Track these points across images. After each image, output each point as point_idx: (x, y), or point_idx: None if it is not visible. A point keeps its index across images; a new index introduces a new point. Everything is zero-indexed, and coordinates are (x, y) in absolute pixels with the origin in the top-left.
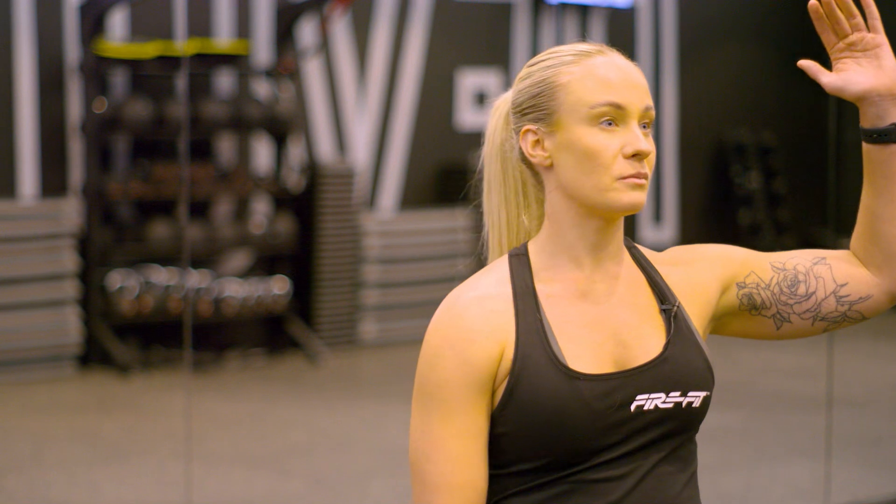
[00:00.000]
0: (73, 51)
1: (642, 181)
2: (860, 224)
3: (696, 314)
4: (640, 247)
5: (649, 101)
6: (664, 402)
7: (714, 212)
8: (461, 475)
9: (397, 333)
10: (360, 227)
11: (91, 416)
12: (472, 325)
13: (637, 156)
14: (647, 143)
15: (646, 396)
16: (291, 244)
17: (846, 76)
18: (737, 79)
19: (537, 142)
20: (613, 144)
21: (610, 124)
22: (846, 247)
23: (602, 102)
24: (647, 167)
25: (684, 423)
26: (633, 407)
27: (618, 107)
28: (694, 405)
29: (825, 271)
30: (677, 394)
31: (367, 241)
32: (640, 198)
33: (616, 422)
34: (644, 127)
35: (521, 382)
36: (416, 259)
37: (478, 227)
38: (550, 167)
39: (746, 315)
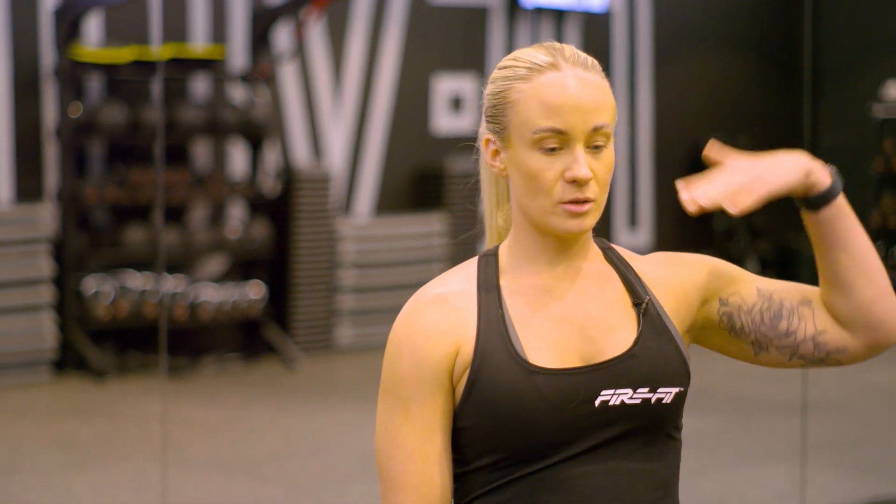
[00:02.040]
0: (48, 55)
1: (582, 208)
2: (820, 287)
3: (675, 315)
4: (617, 247)
5: (599, 121)
6: (631, 398)
7: (689, 216)
8: (419, 473)
9: (373, 338)
10: (336, 232)
11: (67, 422)
12: (430, 322)
13: (577, 181)
14: (585, 170)
15: (611, 392)
16: (267, 249)
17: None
18: (712, 84)
19: (496, 152)
20: (555, 169)
21: (553, 150)
22: None
23: (543, 128)
24: (596, 189)
25: (654, 419)
26: (597, 402)
27: (559, 132)
28: (664, 401)
29: (808, 314)
30: (645, 389)
31: (342, 246)
32: (579, 225)
33: (579, 416)
34: (596, 148)
35: (481, 377)
36: (391, 264)
37: (455, 231)
38: (507, 178)
39: (726, 335)
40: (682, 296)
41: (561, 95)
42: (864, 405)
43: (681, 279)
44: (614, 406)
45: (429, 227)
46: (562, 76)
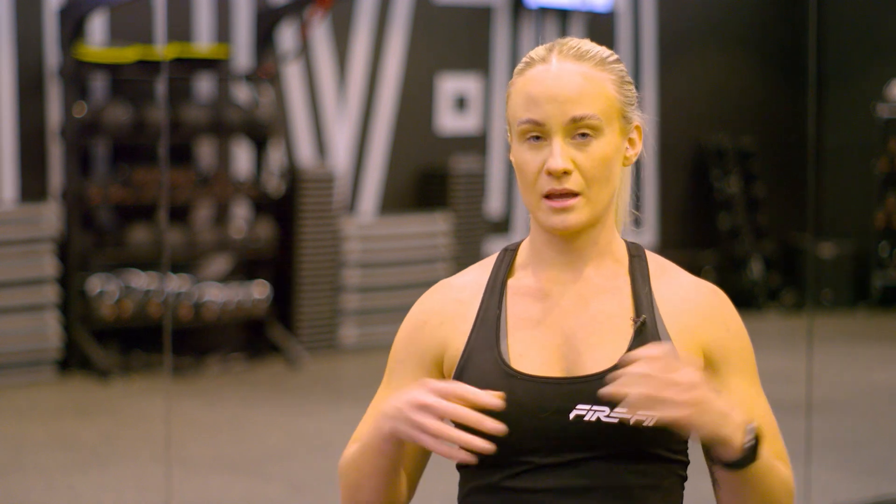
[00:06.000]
0: (52, 55)
1: (565, 203)
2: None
3: (680, 345)
4: (655, 258)
5: (579, 111)
6: (608, 417)
7: (694, 216)
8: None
9: (377, 337)
10: (340, 232)
11: (70, 421)
12: (431, 308)
13: (551, 173)
14: (558, 161)
15: (587, 407)
16: (271, 248)
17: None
18: (716, 83)
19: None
20: (537, 160)
21: (537, 139)
22: (824, 251)
23: (523, 120)
24: (581, 182)
25: (634, 440)
26: (571, 415)
27: (536, 123)
28: (646, 423)
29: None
30: (623, 410)
31: (347, 246)
32: (564, 221)
33: (552, 427)
34: (581, 136)
35: (465, 374)
36: (395, 263)
37: (459, 230)
38: None
39: None
40: (692, 339)
41: (538, 87)
42: (869, 405)
43: (701, 326)
44: (590, 422)
45: (433, 226)
46: (546, 68)
